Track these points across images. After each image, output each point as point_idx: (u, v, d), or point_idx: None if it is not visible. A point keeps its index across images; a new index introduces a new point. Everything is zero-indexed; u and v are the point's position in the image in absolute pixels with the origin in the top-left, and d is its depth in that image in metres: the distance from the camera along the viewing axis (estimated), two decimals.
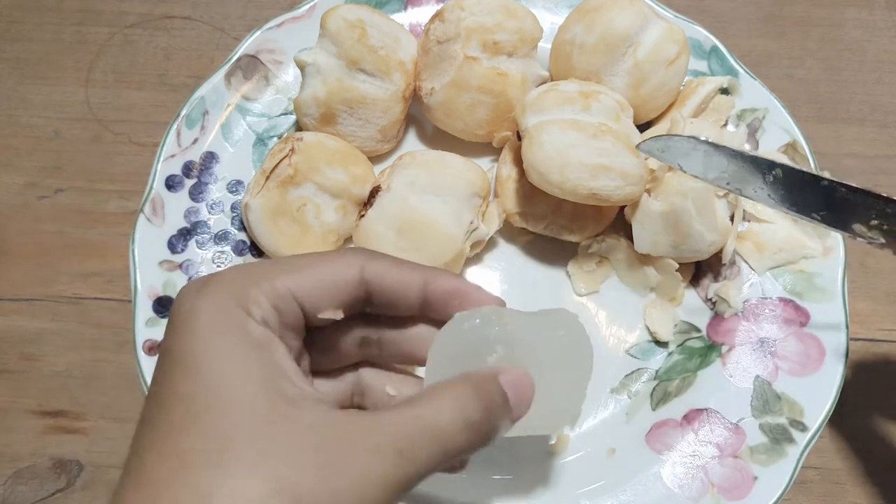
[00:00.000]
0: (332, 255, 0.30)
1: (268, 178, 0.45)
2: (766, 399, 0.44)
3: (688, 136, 0.39)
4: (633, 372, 0.46)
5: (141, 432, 0.26)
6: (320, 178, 0.46)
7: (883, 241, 0.37)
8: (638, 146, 0.42)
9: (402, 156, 0.47)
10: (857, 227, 0.38)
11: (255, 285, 0.28)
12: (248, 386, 0.25)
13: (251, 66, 0.52)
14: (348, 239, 0.48)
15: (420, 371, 0.33)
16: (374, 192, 0.46)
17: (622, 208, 0.47)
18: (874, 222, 0.37)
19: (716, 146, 0.39)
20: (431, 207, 0.44)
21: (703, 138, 0.39)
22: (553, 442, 0.43)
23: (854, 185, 0.37)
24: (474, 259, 0.48)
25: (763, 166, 0.38)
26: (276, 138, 0.51)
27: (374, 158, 0.51)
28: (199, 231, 0.48)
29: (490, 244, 0.49)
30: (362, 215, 0.45)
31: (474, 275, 0.49)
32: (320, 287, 0.29)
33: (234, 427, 0.24)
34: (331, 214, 0.46)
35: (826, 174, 0.52)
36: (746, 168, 0.39)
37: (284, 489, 0.23)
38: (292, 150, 0.45)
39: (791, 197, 0.38)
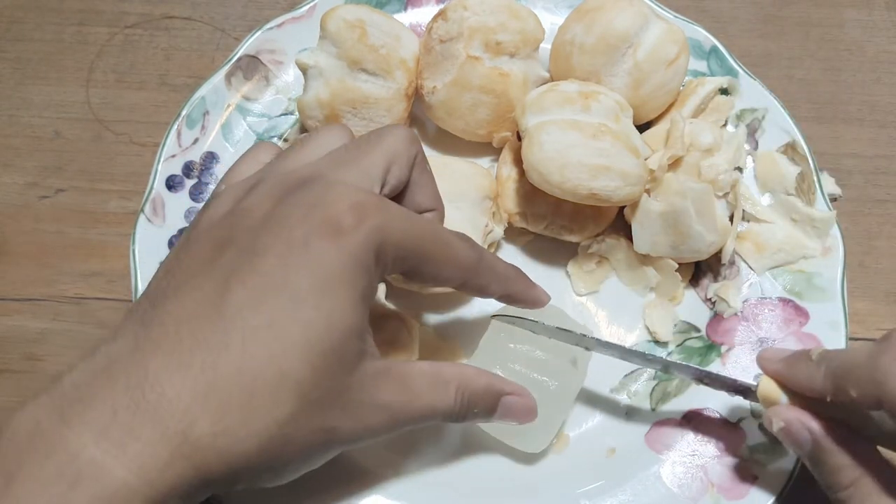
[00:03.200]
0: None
1: None
2: None
3: (534, 321, 0.42)
4: (632, 371, 0.46)
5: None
6: None
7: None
8: (493, 316, 0.43)
9: None
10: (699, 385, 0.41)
11: (393, 244, 0.31)
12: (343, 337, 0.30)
13: (251, 66, 0.52)
14: None
15: None
16: None
17: (622, 209, 0.47)
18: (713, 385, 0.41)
19: (557, 330, 0.42)
20: (447, 215, 0.44)
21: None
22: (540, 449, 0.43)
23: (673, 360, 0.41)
24: None
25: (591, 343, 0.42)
26: (276, 139, 0.51)
27: None
28: None
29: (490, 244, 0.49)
30: None
31: None
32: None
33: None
34: None
35: (825, 174, 0.52)
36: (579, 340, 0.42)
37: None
38: None
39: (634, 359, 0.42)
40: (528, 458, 0.43)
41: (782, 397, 0.37)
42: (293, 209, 0.30)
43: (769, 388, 0.37)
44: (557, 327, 0.41)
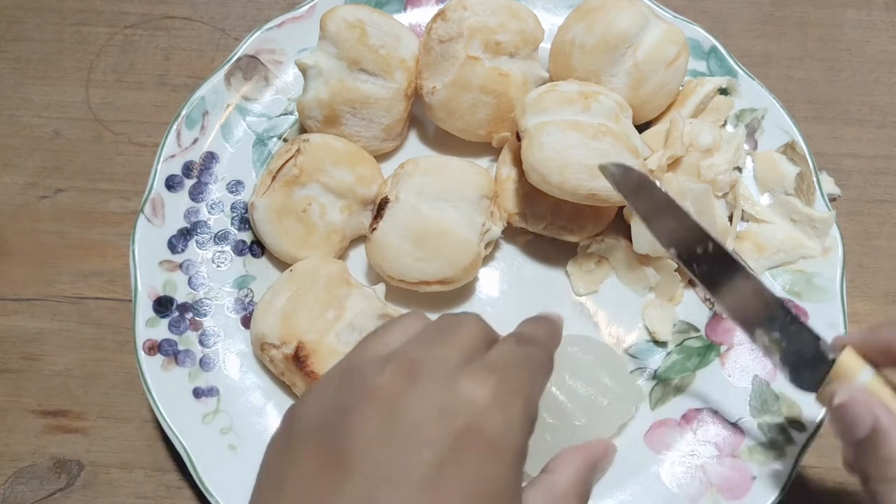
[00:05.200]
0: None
1: (274, 178, 0.46)
2: (764, 399, 0.44)
3: (662, 191, 0.39)
4: (632, 371, 0.46)
5: None
6: (326, 178, 0.46)
7: (775, 357, 0.37)
8: (602, 167, 0.41)
9: (403, 164, 0.47)
10: (759, 332, 0.38)
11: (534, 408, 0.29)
12: None
13: (251, 66, 0.52)
14: (355, 240, 0.49)
15: None
16: (383, 203, 0.45)
17: (621, 209, 0.47)
18: (775, 335, 0.37)
19: (674, 205, 0.38)
20: (443, 214, 0.44)
21: (670, 197, 0.39)
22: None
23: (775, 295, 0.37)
24: None
25: (701, 236, 0.38)
26: (275, 138, 0.51)
27: (381, 157, 0.51)
28: (199, 231, 0.48)
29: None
30: (374, 228, 0.45)
31: None
32: None
33: None
34: (336, 214, 0.47)
35: (824, 174, 0.52)
36: (688, 230, 0.38)
37: None
38: (298, 150, 0.46)
39: (713, 277, 0.38)
40: (528, 458, 0.43)
41: (864, 371, 0.34)
42: (421, 420, 0.25)
43: (851, 357, 0.34)
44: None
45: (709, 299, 0.48)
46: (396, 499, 0.24)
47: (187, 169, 0.49)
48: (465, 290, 0.48)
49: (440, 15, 0.48)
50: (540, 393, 0.30)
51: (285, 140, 0.51)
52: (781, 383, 0.44)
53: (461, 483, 0.24)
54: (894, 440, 0.32)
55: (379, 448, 0.25)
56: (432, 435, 0.25)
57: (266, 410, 0.44)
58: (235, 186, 0.50)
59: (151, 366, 0.44)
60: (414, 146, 0.52)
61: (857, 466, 0.34)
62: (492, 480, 0.25)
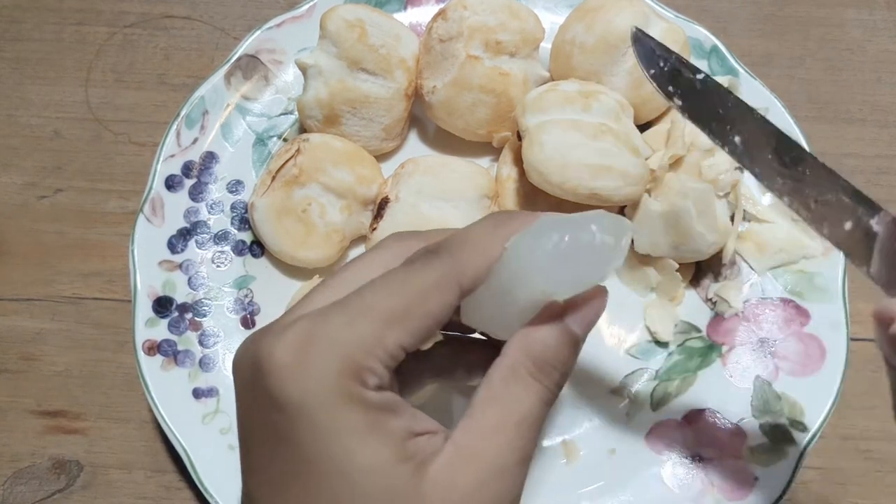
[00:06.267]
0: (429, 283, 0.27)
1: (273, 178, 0.45)
2: (766, 399, 0.44)
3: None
4: (633, 372, 0.46)
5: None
6: (325, 178, 0.46)
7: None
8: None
9: (403, 164, 0.47)
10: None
11: (369, 354, 0.26)
12: (384, 476, 0.25)
13: (251, 65, 0.52)
14: (355, 239, 0.48)
15: None
16: (383, 203, 0.45)
17: (622, 208, 0.47)
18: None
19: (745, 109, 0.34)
20: (444, 214, 0.44)
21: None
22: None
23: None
24: None
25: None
26: (275, 138, 0.51)
27: (381, 157, 0.51)
28: (198, 231, 0.48)
29: None
30: (374, 228, 0.45)
31: None
32: (427, 328, 0.27)
33: None
34: (335, 214, 0.46)
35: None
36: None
37: None
38: (298, 150, 0.46)
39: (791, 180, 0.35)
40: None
41: None
42: (237, 367, 0.28)
43: None
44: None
45: (711, 299, 0.47)
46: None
47: (187, 169, 0.49)
48: None
49: (440, 14, 0.48)
50: None
51: (285, 140, 0.51)
52: (783, 383, 0.44)
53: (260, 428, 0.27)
54: None
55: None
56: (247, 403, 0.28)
57: None
58: (235, 186, 0.49)
59: (151, 366, 0.44)
60: (414, 146, 0.52)
61: None
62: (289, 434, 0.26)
